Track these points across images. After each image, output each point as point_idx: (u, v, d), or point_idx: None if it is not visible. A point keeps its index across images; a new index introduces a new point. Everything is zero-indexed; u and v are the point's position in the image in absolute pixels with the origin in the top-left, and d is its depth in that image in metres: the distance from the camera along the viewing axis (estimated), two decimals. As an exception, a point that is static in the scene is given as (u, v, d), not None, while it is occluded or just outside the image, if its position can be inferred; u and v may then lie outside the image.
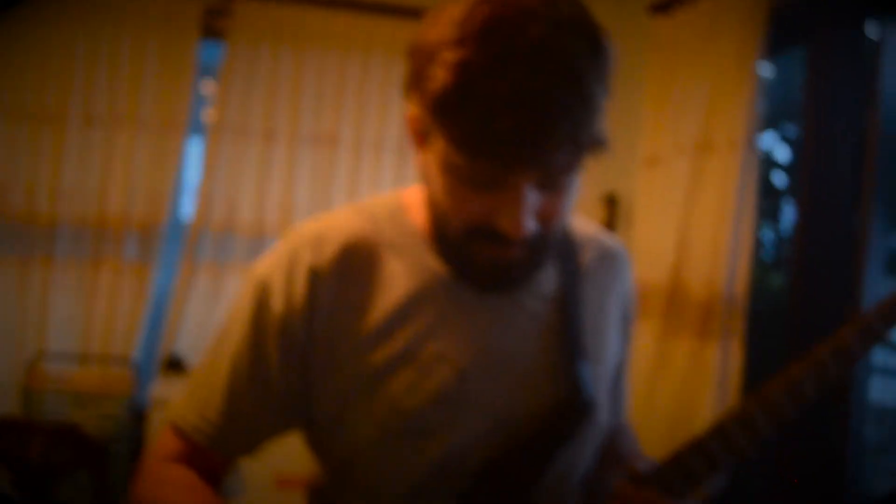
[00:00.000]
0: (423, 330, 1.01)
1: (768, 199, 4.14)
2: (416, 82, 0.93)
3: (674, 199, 2.80)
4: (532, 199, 0.91)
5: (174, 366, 3.54)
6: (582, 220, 1.23)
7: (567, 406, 1.05)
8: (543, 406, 1.05)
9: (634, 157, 3.15)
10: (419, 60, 0.92)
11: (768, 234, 4.29)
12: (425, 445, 1.00)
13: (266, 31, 3.63)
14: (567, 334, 1.09)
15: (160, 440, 1.09)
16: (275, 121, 3.66)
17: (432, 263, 1.04)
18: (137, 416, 3.34)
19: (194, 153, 3.81)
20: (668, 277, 2.80)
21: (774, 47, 2.56)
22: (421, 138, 0.98)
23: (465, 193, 0.93)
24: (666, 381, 2.78)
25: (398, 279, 1.03)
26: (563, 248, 1.13)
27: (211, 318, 3.59)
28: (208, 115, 3.68)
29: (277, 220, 3.64)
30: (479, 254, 0.96)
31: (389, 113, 3.70)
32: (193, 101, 3.65)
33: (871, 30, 2.41)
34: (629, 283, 1.22)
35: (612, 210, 3.55)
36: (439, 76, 0.86)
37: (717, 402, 2.50)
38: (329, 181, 3.69)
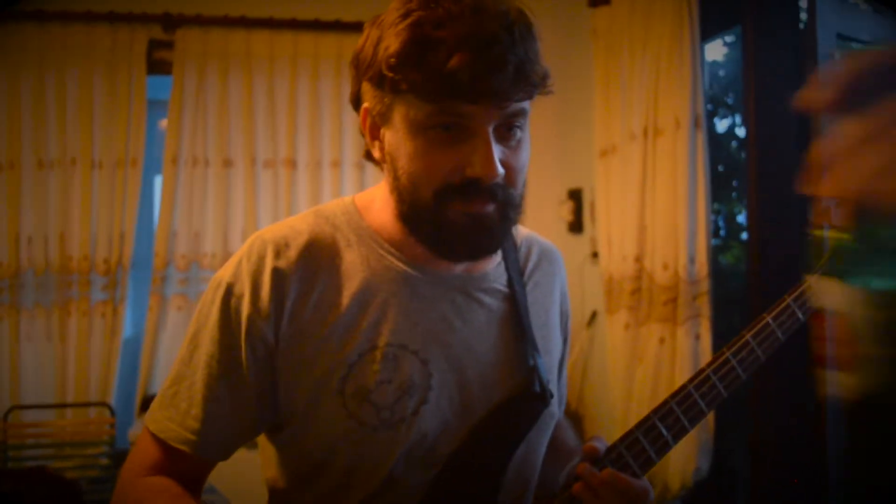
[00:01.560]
0: (386, 322, 1.05)
1: (743, 182, 4.15)
2: (369, 68, 1.00)
3: (631, 187, 2.81)
4: (495, 149, 0.98)
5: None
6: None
7: (526, 395, 1.11)
8: (504, 395, 1.10)
9: (594, 150, 3.15)
10: (368, 51, 1.00)
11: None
12: (396, 435, 1.04)
13: (212, 59, 3.62)
14: (520, 327, 1.14)
15: (138, 451, 1.11)
16: (231, 149, 3.64)
17: (390, 259, 1.09)
18: (119, 459, 3.29)
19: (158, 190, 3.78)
20: (633, 267, 2.80)
21: (716, 28, 2.56)
22: (380, 123, 1.04)
23: (436, 151, 0.98)
24: (642, 368, 2.77)
25: (359, 275, 1.07)
26: (508, 248, 1.18)
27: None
28: (163, 149, 3.65)
29: (242, 247, 3.61)
30: (458, 214, 1.00)
31: (344, 128, 3.69)
32: (148, 137, 3.63)
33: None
34: (564, 281, 1.30)
35: (578, 205, 3.55)
36: (394, 42, 0.96)
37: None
38: (291, 204, 3.67)
